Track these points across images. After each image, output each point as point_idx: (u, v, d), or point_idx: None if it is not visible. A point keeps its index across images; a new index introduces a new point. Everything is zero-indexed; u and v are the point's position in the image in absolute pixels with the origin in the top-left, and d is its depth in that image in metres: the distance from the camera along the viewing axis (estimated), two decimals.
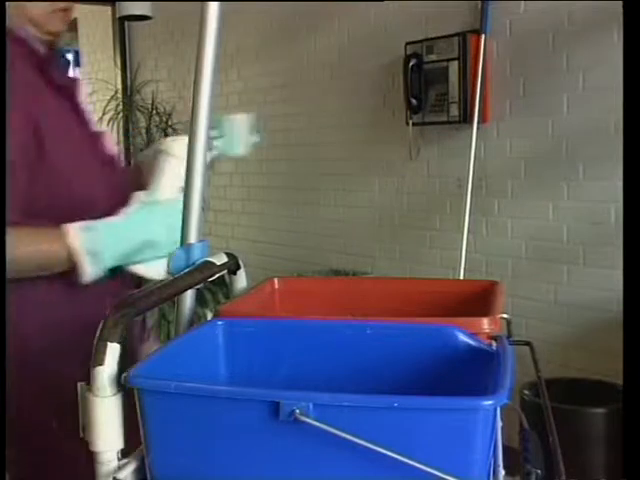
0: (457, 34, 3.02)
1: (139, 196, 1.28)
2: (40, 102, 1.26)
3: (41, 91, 1.28)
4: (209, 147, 1.31)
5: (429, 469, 0.67)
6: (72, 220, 1.21)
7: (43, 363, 1.24)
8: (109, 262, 1.20)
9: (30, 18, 1.29)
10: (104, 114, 5.05)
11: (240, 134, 1.46)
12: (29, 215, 1.23)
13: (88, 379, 0.79)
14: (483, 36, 2.93)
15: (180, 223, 1.22)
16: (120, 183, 1.37)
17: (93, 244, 1.18)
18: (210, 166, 1.42)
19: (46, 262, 1.21)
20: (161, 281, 0.94)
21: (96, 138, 1.40)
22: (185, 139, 1.33)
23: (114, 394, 0.77)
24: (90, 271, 1.19)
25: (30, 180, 1.24)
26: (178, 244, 1.21)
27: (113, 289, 1.23)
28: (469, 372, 0.84)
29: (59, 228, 1.20)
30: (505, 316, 0.94)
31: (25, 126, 1.22)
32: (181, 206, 1.26)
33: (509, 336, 0.92)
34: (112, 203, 1.26)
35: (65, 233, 1.19)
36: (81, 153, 1.33)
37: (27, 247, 1.21)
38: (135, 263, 1.25)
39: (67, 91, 1.34)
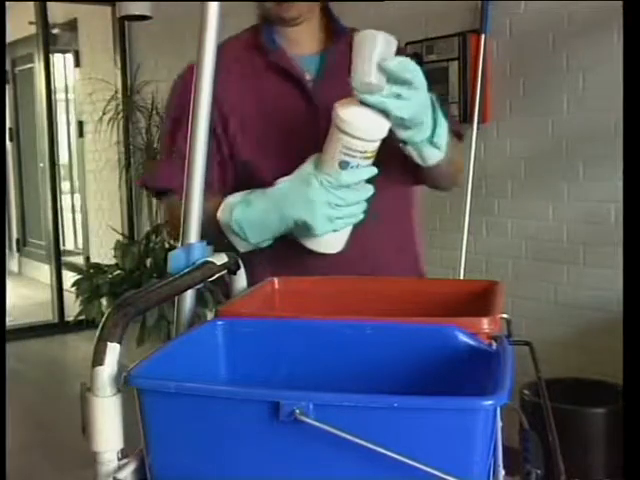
0: (457, 34, 3.02)
1: (305, 163, 1.18)
2: (238, 84, 1.36)
3: (244, 73, 1.40)
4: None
5: (429, 469, 0.67)
6: None
7: None
8: (253, 239, 1.20)
9: (263, 7, 1.42)
10: (104, 114, 5.05)
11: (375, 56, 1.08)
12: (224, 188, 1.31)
13: None
14: (483, 36, 2.93)
15: (325, 199, 1.14)
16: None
17: (229, 221, 1.20)
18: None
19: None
20: (161, 281, 0.94)
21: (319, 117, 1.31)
22: (352, 106, 1.11)
23: (114, 394, 0.77)
24: (238, 244, 1.22)
25: (220, 157, 1.33)
26: (335, 225, 1.17)
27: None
28: (469, 372, 0.84)
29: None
30: (505, 316, 0.93)
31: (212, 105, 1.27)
32: (336, 182, 1.14)
33: (509, 336, 0.92)
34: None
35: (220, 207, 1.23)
36: (278, 133, 1.35)
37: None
38: (299, 236, 1.22)
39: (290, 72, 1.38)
